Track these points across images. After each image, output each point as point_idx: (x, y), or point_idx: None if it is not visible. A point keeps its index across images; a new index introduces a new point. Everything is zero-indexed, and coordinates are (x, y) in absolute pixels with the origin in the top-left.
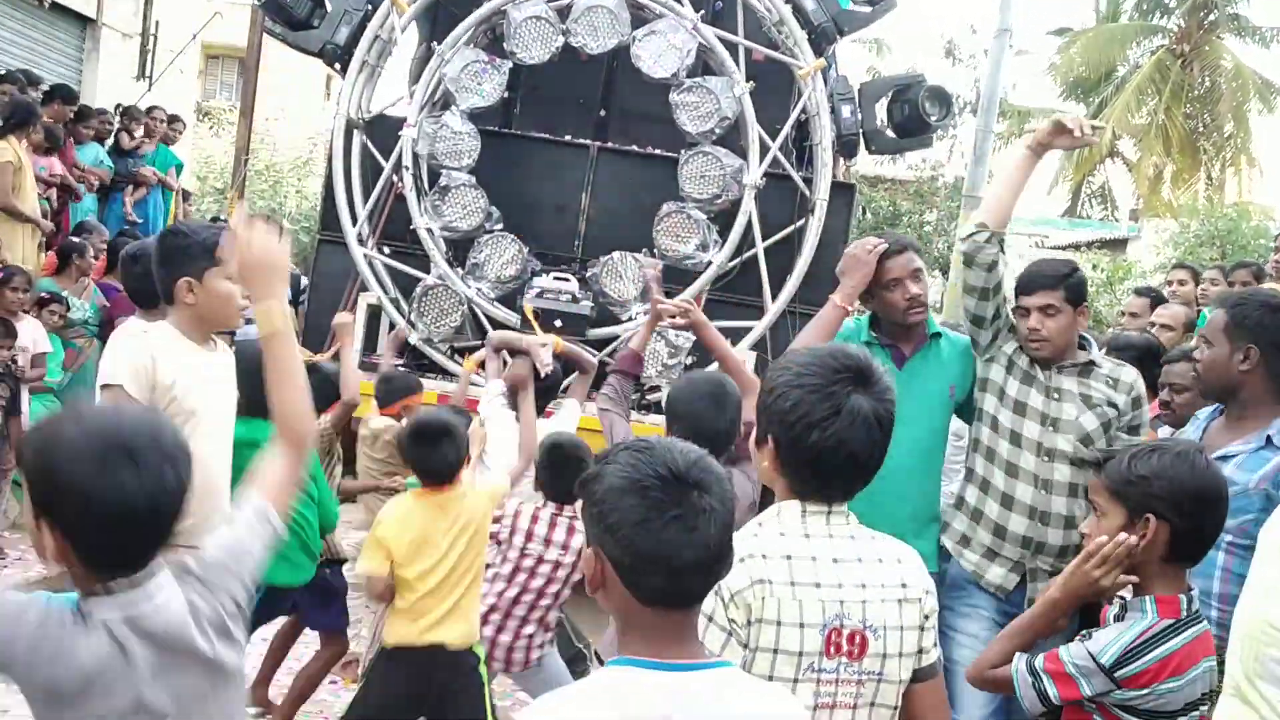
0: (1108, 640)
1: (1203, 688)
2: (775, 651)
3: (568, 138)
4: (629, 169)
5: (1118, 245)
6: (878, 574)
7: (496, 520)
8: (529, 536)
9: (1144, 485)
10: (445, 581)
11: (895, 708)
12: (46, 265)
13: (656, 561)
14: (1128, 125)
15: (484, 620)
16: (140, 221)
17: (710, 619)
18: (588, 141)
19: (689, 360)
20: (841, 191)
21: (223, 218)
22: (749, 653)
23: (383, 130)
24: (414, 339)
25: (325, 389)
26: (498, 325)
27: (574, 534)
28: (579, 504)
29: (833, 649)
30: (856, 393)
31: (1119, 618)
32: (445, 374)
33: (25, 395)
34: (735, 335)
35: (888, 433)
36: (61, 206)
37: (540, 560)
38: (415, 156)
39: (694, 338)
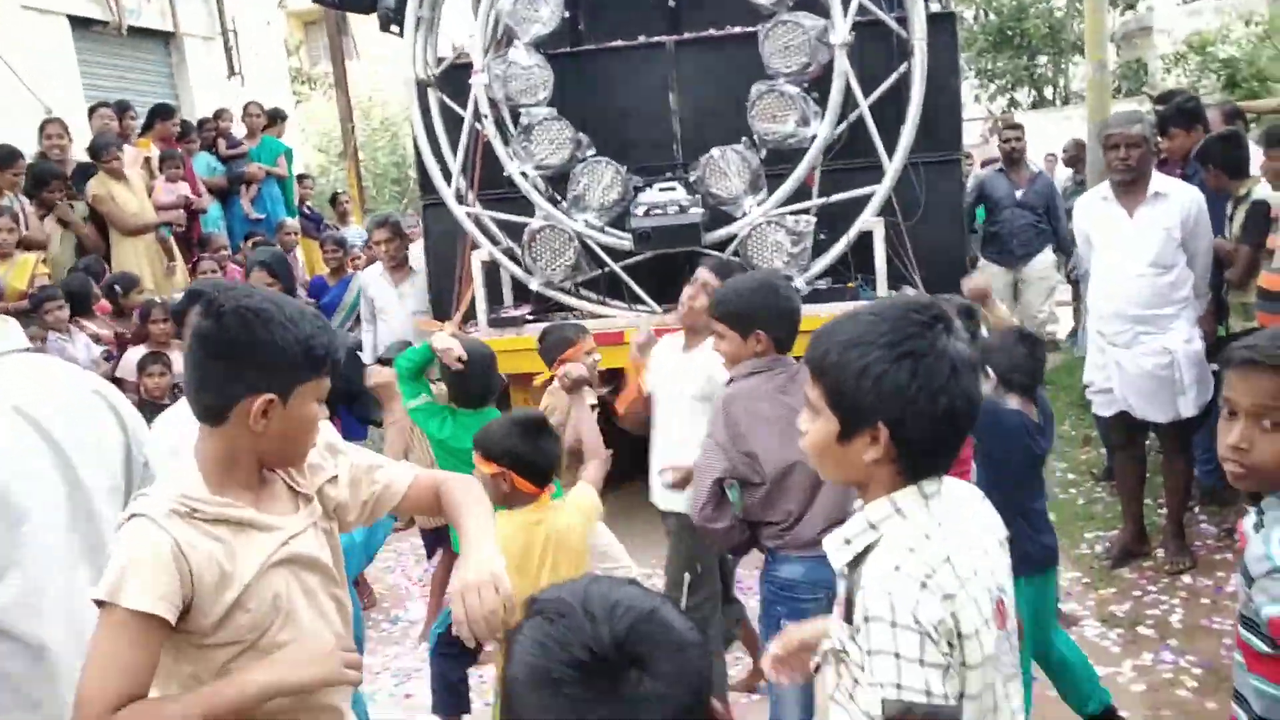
0: None
1: None
2: (981, 665)
3: (641, 39)
4: (711, 57)
5: None
6: (986, 528)
7: None
8: None
9: None
10: None
11: None
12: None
13: None
14: None
15: None
16: (262, 218)
17: (922, 662)
18: (663, 38)
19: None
20: (940, 23)
21: (340, 191)
22: (965, 671)
23: (455, 80)
24: (534, 285)
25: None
26: (610, 251)
27: None
28: None
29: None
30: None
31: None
32: (572, 311)
33: None
34: (860, 203)
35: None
36: (190, 224)
37: None
38: (491, 101)
39: (813, 222)
